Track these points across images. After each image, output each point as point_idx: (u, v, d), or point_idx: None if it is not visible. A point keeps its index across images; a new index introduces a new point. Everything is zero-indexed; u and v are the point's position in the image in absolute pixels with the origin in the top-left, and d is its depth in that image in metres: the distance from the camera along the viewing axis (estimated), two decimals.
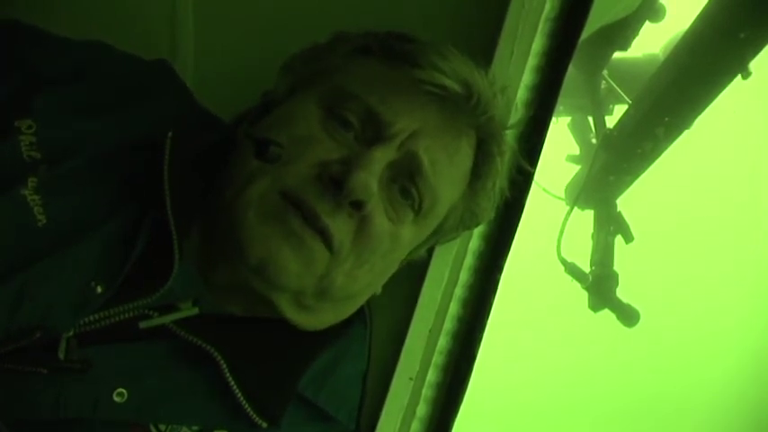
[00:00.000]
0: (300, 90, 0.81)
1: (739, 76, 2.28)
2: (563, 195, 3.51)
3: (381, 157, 0.73)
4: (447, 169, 0.78)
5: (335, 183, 0.70)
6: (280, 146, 0.70)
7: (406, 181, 0.76)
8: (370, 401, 0.93)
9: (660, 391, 7.65)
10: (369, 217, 0.73)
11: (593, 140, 3.24)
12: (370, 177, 0.70)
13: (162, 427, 0.72)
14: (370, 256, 0.75)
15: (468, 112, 0.77)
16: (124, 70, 0.83)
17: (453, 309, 0.98)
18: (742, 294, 7.32)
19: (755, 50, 2.19)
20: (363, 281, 0.77)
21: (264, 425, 0.74)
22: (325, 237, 0.70)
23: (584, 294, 3.18)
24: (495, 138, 0.82)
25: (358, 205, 0.71)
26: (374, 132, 0.75)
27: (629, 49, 2.82)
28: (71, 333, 0.68)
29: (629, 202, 3.15)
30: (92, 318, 0.69)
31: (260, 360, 0.76)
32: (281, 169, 0.72)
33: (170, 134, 0.75)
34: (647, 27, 2.69)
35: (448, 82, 0.73)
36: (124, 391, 0.69)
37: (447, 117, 0.77)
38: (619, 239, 3.13)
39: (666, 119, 2.54)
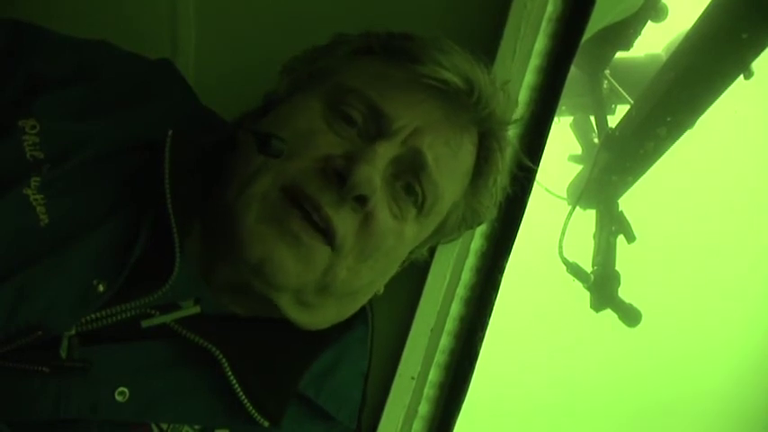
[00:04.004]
0: (302, 89, 0.81)
1: (741, 76, 2.29)
2: (565, 195, 3.51)
3: (384, 152, 0.73)
4: (450, 165, 0.78)
5: (339, 177, 0.70)
6: (282, 140, 0.70)
7: (410, 177, 0.76)
8: (372, 400, 0.93)
9: (662, 390, 7.65)
10: (372, 213, 0.73)
11: (596, 140, 3.24)
12: (374, 172, 0.71)
13: (164, 426, 0.72)
14: (373, 252, 0.75)
15: (469, 107, 0.77)
16: (127, 70, 0.83)
17: (455, 308, 0.98)
18: (744, 293, 7.31)
19: (758, 51, 2.20)
20: (366, 277, 0.77)
21: (266, 424, 0.74)
22: (326, 231, 0.70)
23: (586, 294, 3.19)
24: (496, 133, 0.82)
25: (361, 200, 0.71)
26: (377, 128, 0.75)
27: (631, 49, 2.83)
28: (73, 332, 0.68)
29: (630, 202, 3.15)
30: (94, 316, 0.68)
31: (261, 359, 0.76)
32: (285, 164, 0.71)
33: (170, 132, 0.75)
34: (650, 27, 2.69)
35: (449, 76, 0.73)
36: (126, 390, 0.69)
37: (449, 112, 0.77)
38: (621, 239, 3.13)
39: (669, 118, 2.54)
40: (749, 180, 6.90)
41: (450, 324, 0.98)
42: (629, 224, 3.11)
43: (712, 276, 7.25)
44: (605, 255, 3.13)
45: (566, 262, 3.12)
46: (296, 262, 0.70)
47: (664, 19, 2.67)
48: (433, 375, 0.99)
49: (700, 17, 2.30)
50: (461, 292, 0.98)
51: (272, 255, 0.69)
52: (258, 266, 0.69)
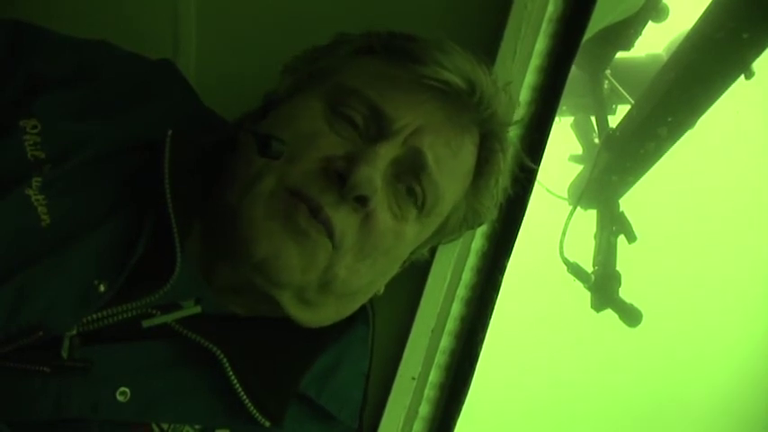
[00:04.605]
0: (303, 89, 0.81)
1: (742, 76, 2.28)
2: (566, 195, 3.51)
3: (385, 153, 0.73)
4: (451, 166, 0.78)
5: (340, 177, 0.70)
6: (282, 142, 0.71)
7: (411, 178, 0.76)
8: (372, 401, 0.93)
9: (662, 390, 7.65)
10: (372, 213, 0.73)
11: (596, 140, 3.24)
12: (375, 173, 0.71)
13: (164, 426, 0.72)
14: (372, 251, 0.75)
15: (471, 107, 0.77)
16: (127, 70, 0.83)
17: (456, 309, 0.98)
18: (745, 293, 7.31)
19: (758, 51, 2.20)
20: (365, 277, 0.77)
21: (267, 424, 0.74)
22: (327, 228, 0.70)
23: (587, 294, 3.18)
24: (498, 134, 0.82)
25: (362, 200, 0.71)
26: (378, 129, 0.75)
27: (631, 49, 2.83)
28: (74, 332, 0.68)
29: (631, 202, 3.15)
30: (95, 316, 0.68)
31: (262, 359, 0.76)
32: (287, 166, 0.72)
33: (170, 132, 0.75)
34: (651, 27, 2.69)
35: (450, 77, 0.73)
36: (127, 390, 0.69)
37: (450, 113, 0.77)
38: (621, 239, 3.13)
39: (669, 119, 2.54)
40: (749, 180, 6.90)
41: (451, 324, 0.98)
42: (629, 224, 3.11)
43: (712, 277, 7.24)
44: (606, 255, 3.13)
45: (566, 262, 3.12)
46: (301, 258, 0.70)
47: (664, 19, 2.67)
48: (434, 376, 0.99)
49: (700, 17, 2.30)
50: (462, 292, 0.98)
51: (278, 251, 0.69)
52: (262, 263, 0.70)
